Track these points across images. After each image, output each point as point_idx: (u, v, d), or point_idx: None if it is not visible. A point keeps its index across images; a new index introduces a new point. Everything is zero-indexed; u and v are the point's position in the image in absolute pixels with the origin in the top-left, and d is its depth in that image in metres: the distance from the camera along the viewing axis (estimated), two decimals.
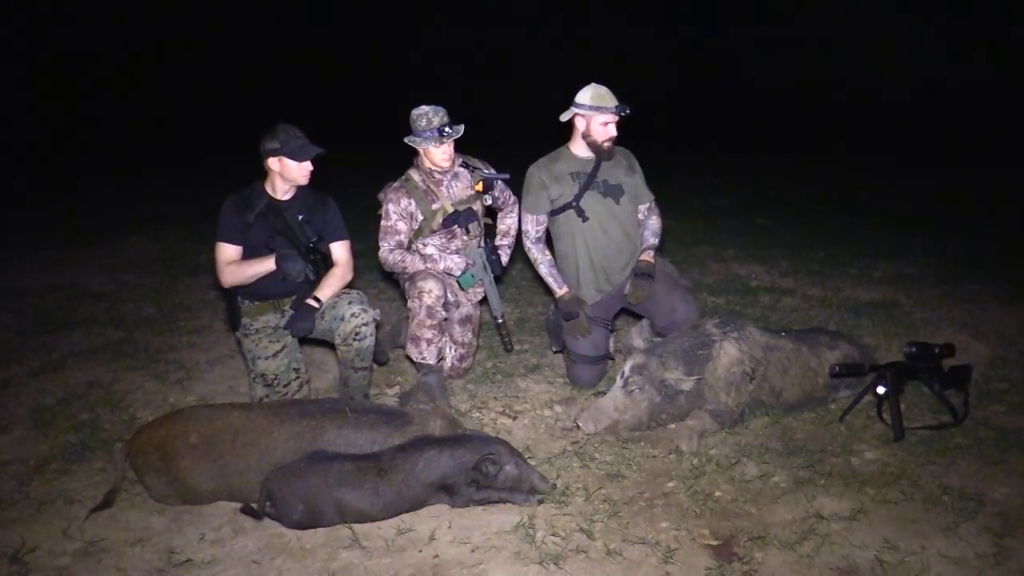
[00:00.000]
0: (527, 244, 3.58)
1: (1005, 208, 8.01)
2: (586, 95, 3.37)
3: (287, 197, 3.12)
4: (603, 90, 3.38)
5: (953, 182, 9.99)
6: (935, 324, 4.33)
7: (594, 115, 3.36)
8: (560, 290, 3.55)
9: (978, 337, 4.08)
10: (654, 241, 3.60)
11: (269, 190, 3.09)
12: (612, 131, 3.40)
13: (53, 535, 2.38)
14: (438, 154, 3.37)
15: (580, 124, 3.43)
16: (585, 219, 3.48)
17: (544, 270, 3.57)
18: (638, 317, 3.67)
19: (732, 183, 10.11)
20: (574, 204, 3.47)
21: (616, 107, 3.35)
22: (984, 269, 5.57)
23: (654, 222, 3.64)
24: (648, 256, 3.53)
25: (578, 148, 3.49)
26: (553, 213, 3.53)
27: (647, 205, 3.64)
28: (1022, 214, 7.59)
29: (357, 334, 3.05)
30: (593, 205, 3.48)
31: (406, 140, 3.41)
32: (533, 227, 3.55)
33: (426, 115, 3.33)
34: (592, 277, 3.57)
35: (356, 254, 3.36)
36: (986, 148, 12.29)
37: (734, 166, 11.96)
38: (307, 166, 3.03)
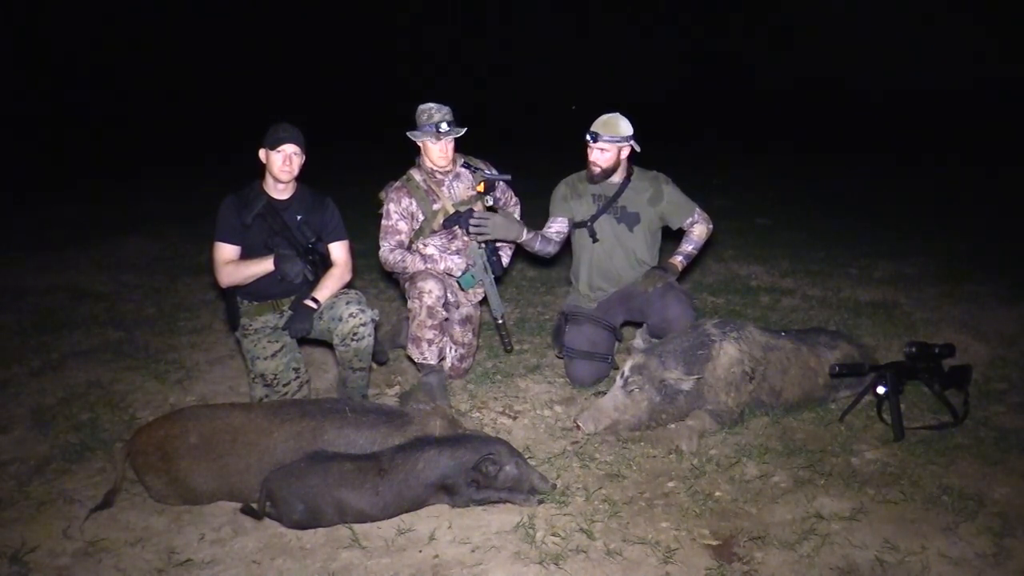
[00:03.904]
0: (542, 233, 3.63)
1: (1005, 208, 8.01)
2: None
3: (285, 197, 3.12)
4: (606, 116, 3.42)
5: (953, 182, 9.99)
6: (935, 324, 4.33)
7: (589, 138, 3.43)
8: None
9: (978, 337, 4.08)
10: (688, 248, 3.60)
11: (267, 189, 3.10)
12: (595, 156, 3.43)
13: (53, 535, 2.38)
14: (435, 151, 3.38)
15: None
16: (595, 240, 3.59)
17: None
18: (639, 327, 3.72)
19: (732, 183, 10.10)
20: (588, 224, 3.57)
21: (590, 132, 3.38)
22: (984, 269, 5.57)
23: (697, 231, 3.60)
24: (675, 259, 3.58)
25: None
26: (574, 227, 3.66)
27: (688, 219, 3.60)
28: (1022, 214, 7.59)
29: (355, 334, 3.05)
30: (605, 228, 3.58)
31: (408, 133, 3.42)
32: (547, 226, 3.64)
33: (429, 110, 3.35)
34: (588, 292, 3.70)
35: (355, 254, 3.36)
36: (987, 148, 12.29)
37: (734, 166, 11.96)
38: (287, 150, 3.00)
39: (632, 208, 3.56)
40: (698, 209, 3.61)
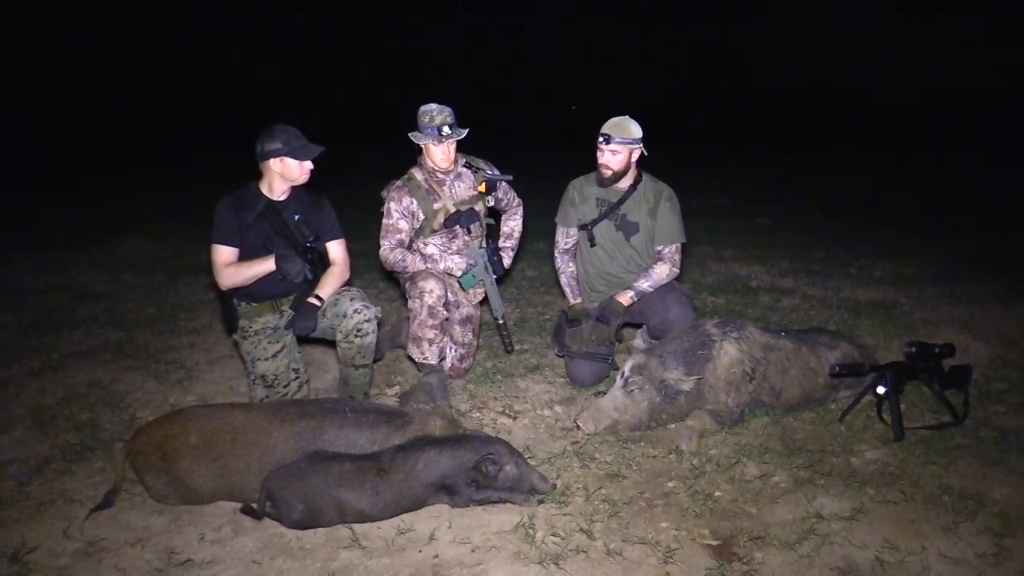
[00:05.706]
0: (555, 253, 3.74)
1: (1006, 208, 8.01)
2: None
3: (283, 197, 3.11)
4: (616, 119, 3.41)
5: (953, 182, 10.00)
6: (935, 324, 4.33)
7: (601, 141, 3.41)
8: (573, 300, 3.67)
9: (978, 337, 4.08)
10: (643, 284, 3.46)
11: (265, 191, 3.09)
12: (606, 158, 3.40)
13: (53, 535, 2.38)
14: (437, 153, 3.38)
15: None
16: (593, 245, 3.58)
17: (564, 280, 3.72)
18: (640, 327, 3.71)
19: (732, 183, 10.11)
20: (588, 228, 3.57)
21: (602, 134, 3.37)
22: (984, 269, 5.57)
23: (659, 270, 3.48)
24: (623, 297, 3.46)
25: None
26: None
27: (662, 248, 3.51)
28: (1022, 214, 7.59)
29: (359, 330, 3.05)
30: (605, 234, 3.57)
31: (410, 135, 3.42)
32: (562, 239, 3.69)
33: (430, 112, 3.35)
34: (588, 292, 3.70)
35: (354, 254, 3.36)
36: (987, 148, 12.29)
37: (734, 166, 11.97)
38: (308, 165, 3.04)
39: (632, 217, 3.53)
40: (677, 246, 3.53)
